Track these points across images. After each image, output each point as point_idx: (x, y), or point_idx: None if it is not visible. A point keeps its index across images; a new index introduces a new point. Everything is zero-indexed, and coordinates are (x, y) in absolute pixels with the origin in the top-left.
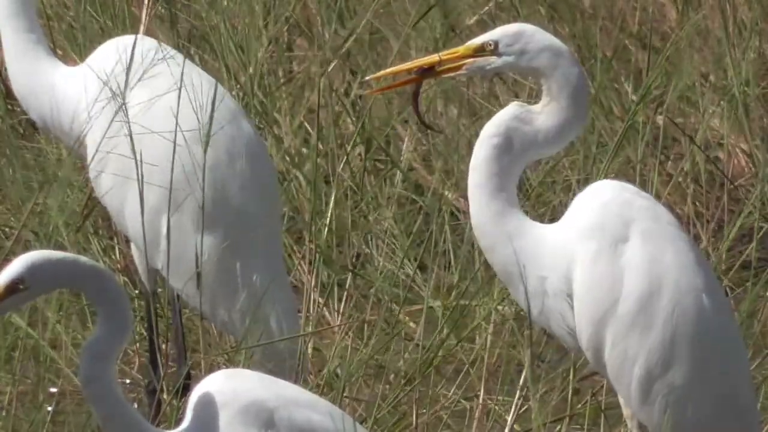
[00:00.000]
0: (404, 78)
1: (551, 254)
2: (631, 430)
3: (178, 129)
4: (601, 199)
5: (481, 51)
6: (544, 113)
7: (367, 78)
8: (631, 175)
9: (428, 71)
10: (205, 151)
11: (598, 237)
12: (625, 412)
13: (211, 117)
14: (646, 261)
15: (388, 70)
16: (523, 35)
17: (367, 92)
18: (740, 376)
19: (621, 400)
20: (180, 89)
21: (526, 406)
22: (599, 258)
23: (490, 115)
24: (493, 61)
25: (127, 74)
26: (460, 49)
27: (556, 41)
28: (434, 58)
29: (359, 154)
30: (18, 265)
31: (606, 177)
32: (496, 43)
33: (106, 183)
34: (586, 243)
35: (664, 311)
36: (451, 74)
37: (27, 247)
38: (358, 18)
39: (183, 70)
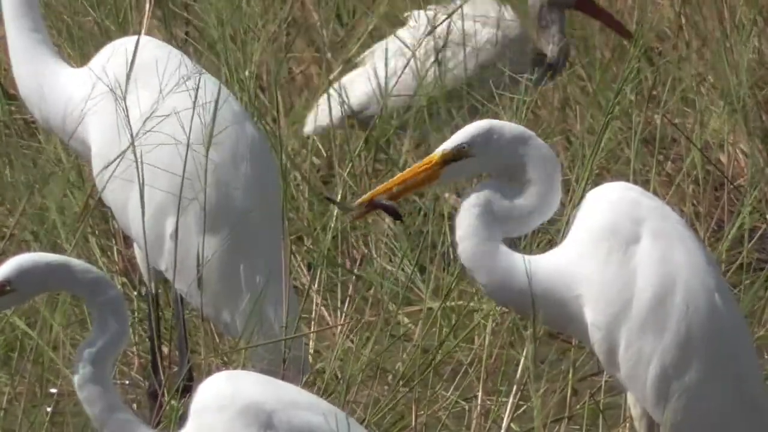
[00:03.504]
0: (386, 199)
1: (572, 272)
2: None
3: (183, 131)
4: (609, 200)
5: (455, 155)
6: (521, 192)
7: (355, 203)
8: (629, 176)
9: (408, 187)
10: (207, 153)
11: (609, 237)
12: (634, 412)
13: (213, 118)
14: (658, 260)
15: (369, 194)
16: (492, 130)
17: (354, 218)
18: (753, 374)
19: (630, 401)
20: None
21: (524, 407)
22: (611, 259)
23: (489, 113)
24: (470, 164)
25: (128, 75)
26: (436, 156)
27: (521, 128)
28: (411, 173)
29: (359, 155)
30: (5, 267)
31: (594, 173)
32: (470, 144)
33: (109, 183)
34: (596, 244)
35: (677, 310)
36: (429, 185)
37: (26, 248)
38: (356, 18)
39: (188, 71)
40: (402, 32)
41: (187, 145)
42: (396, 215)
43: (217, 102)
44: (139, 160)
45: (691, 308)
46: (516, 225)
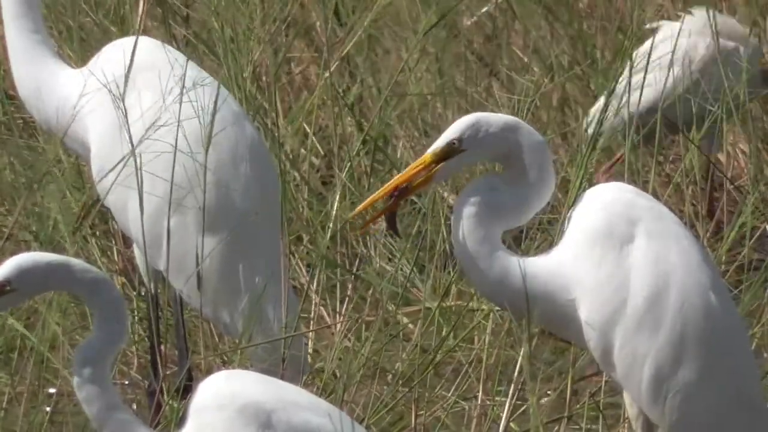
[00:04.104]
0: (385, 205)
1: (567, 274)
2: (636, 431)
3: (180, 131)
4: (603, 201)
5: (447, 152)
6: (513, 184)
7: (349, 216)
8: (630, 177)
9: (404, 191)
10: (206, 153)
11: (604, 238)
12: (631, 412)
13: (213, 118)
14: (652, 260)
15: (366, 202)
16: (480, 122)
17: (359, 232)
18: (748, 373)
19: (626, 400)
20: (182, 91)
21: (524, 407)
22: (605, 259)
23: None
24: (463, 159)
25: (126, 76)
26: (427, 157)
27: (508, 117)
28: (405, 176)
29: (358, 155)
30: (5, 267)
31: (590, 171)
32: (460, 140)
33: (109, 184)
34: (592, 245)
35: (672, 309)
36: (426, 186)
37: (26, 248)
38: (356, 19)
39: (186, 71)
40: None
41: (191, 147)
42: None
43: (216, 103)
44: (138, 162)
45: (685, 307)
46: (516, 215)
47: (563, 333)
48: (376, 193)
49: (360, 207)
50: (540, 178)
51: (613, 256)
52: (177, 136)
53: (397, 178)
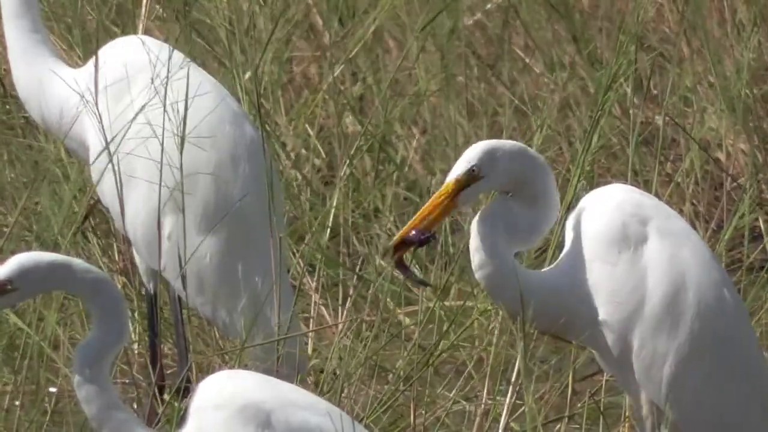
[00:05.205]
0: (418, 236)
1: (582, 279)
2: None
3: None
4: (614, 203)
5: (467, 179)
6: (526, 204)
7: (385, 250)
8: (633, 177)
9: (430, 222)
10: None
11: (619, 240)
12: (640, 412)
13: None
14: (667, 259)
15: (397, 237)
16: (495, 149)
17: (393, 262)
18: (760, 371)
19: (633, 401)
20: (185, 92)
21: (524, 406)
22: (621, 260)
23: (487, 113)
24: (481, 185)
25: (153, 77)
26: (450, 185)
27: (515, 143)
28: (431, 206)
29: (360, 156)
30: (6, 266)
31: (586, 170)
32: (479, 167)
33: (107, 184)
34: (606, 248)
35: (690, 307)
36: (448, 214)
37: (26, 247)
38: (358, 19)
39: (187, 72)
40: None
41: (189, 146)
42: (427, 240)
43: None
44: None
45: (702, 304)
46: (528, 237)
47: (578, 338)
48: (406, 226)
49: (393, 242)
50: (547, 200)
51: (628, 257)
52: (176, 135)
53: (423, 210)
